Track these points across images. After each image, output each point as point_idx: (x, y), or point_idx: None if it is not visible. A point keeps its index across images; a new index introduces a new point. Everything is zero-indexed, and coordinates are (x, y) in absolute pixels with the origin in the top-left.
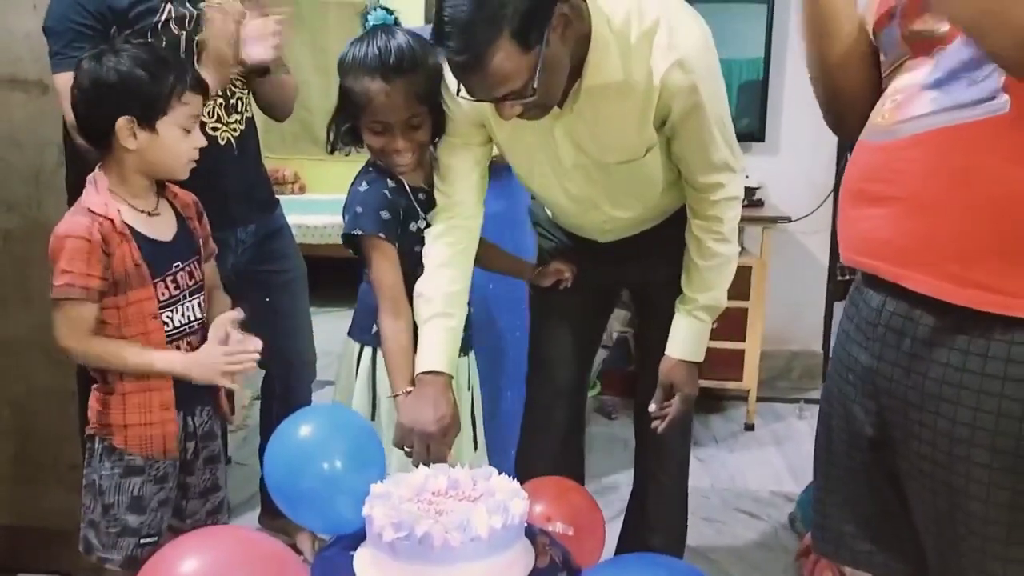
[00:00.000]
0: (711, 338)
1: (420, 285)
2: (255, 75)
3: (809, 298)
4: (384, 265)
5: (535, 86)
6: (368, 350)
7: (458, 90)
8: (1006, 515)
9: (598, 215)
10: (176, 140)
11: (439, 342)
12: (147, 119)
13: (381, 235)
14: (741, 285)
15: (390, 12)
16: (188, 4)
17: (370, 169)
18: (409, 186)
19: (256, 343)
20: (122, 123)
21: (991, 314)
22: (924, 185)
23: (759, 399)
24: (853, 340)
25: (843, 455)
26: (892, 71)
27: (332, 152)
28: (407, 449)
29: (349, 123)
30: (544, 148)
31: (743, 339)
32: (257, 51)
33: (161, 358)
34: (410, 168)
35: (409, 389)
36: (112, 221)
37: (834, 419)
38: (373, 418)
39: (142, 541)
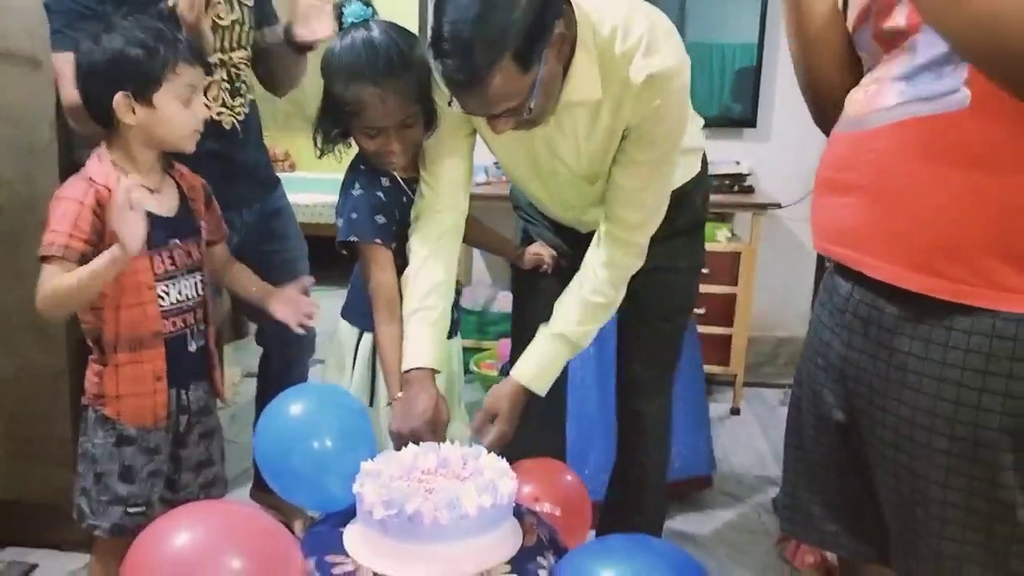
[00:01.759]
0: (699, 323)
1: (405, 276)
2: (303, 51)
3: (797, 285)
4: (380, 271)
5: (532, 105)
6: (368, 336)
7: (450, 101)
8: (964, 500)
9: (575, 212)
10: (174, 112)
11: (420, 337)
12: (143, 94)
13: (377, 241)
14: (730, 271)
15: (367, 4)
16: None
17: (361, 167)
18: (403, 180)
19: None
20: (119, 99)
21: (951, 303)
22: (887, 175)
23: (745, 384)
24: (825, 326)
25: (812, 438)
26: (869, 69)
27: (321, 156)
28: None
29: (339, 128)
30: (524, 149)
31: (731, 324)
32: (316, 29)
33: (98, 259)
34: (401, 167)
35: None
36: (110, 190)
37: (804, 402)
38: (371, 403)
39: (129, 510)
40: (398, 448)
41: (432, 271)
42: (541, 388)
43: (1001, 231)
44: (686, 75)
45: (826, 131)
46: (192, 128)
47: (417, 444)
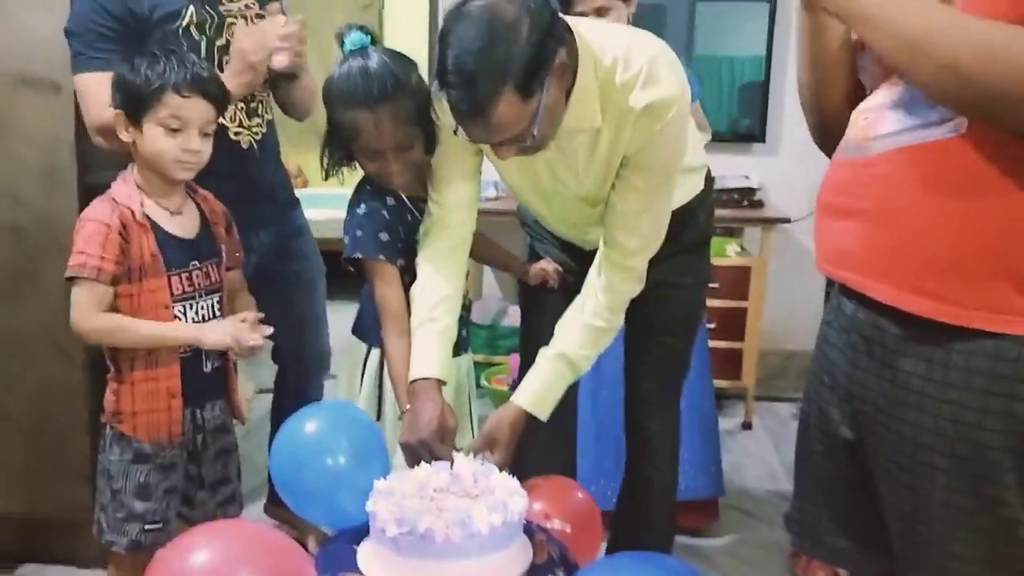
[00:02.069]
0: (710, 337)
1: (412, 291)
2: (284, 81)
3: (807, 298)
4: (386, 286)
5: (535, 133)
6: (375, 352)
7: (455, 130)
8: (966, 518)
9: (578, 231)
10: (155, 138)
11: (426, 348)
12: (133, 115)
13: (381, 257)
14: (740, 285)
15: (366, 32)
16: (209, 8)
17: (367, 187)
18: (408, 199)
19: (266, 329)
20: (115, 116)
21: (951, 325)
22: (886, 201)
23: (756, 398)
24: (831, 345)
25: (820, 455)
26: (870, 92)
27: (327, 178)
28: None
29: (341, 151)
30: (526, 171)
31: (741, 339)
32: (279, 59)
33: (172, 327)
34: (404, 185)
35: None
36: (133, 211)
37: (812, 419)
38: (378, 418)
39: (146, 527)
40: (409, 460)
41: (439, 285)
42: (543, 412)
43: (998, 254)
44: (685, 105)
45: (825, 151)
46: (173, 157)
47: (427, 455)
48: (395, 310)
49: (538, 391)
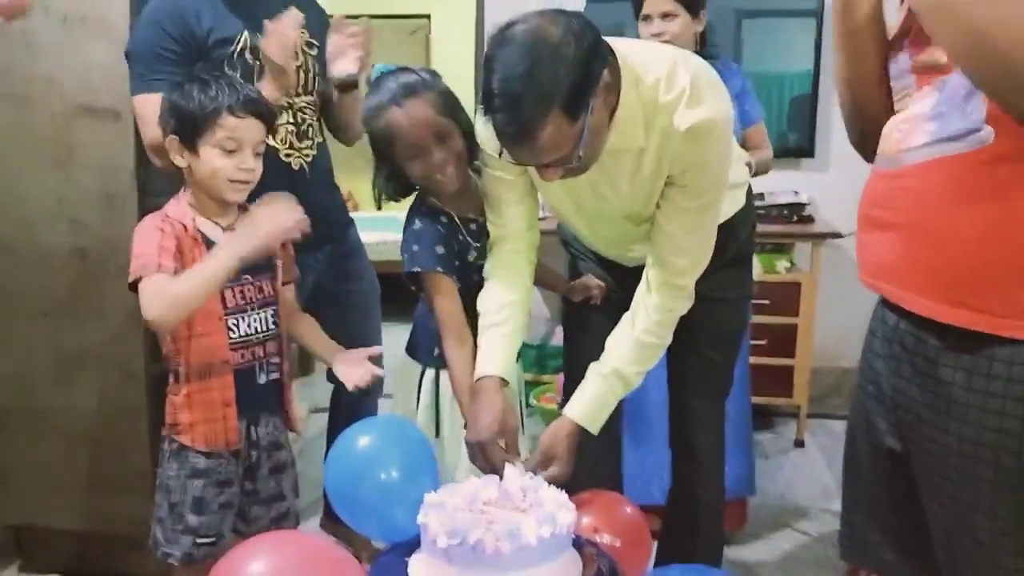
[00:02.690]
0: (760, 353)
1: (479, 301)
2: (342, 91)
3: (859, 314)
4: (445, 299)
5: (580, 155)
6: (431, 371)
7: (500, 153)
8: (1012, 528)
9: (619, 249)
10: (211, 159)
11: (492, 349)
12: (188, 140)
13: (439, 269)
14: (790, 301)
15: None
16: (262, 35)
17: (421, 207)
18: (459, 218)
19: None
20: (169, 142)
21: (989, 334)
22: (919, 213)
23: (809, 415)
24: (876, 355)
25: (867, 466)
26: (901, 99)
27: (380, 208)
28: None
29: (388, 167)
30: (569, 191)
31: (792, 355)
32: (342, 65)
33: (215, 253)
34: (456, 185)
35: None
36: (185, 226)
37: (858, 431)
38: (437, 435)
39: (198, 540)
40: (472, 458)
41: (504, 292)
42: (595, 427)
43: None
44: (729, 125)
45: (865, 155)
46: (228, 178)
47: (483, 458)
48: (455, 322)
49: (591, 405)
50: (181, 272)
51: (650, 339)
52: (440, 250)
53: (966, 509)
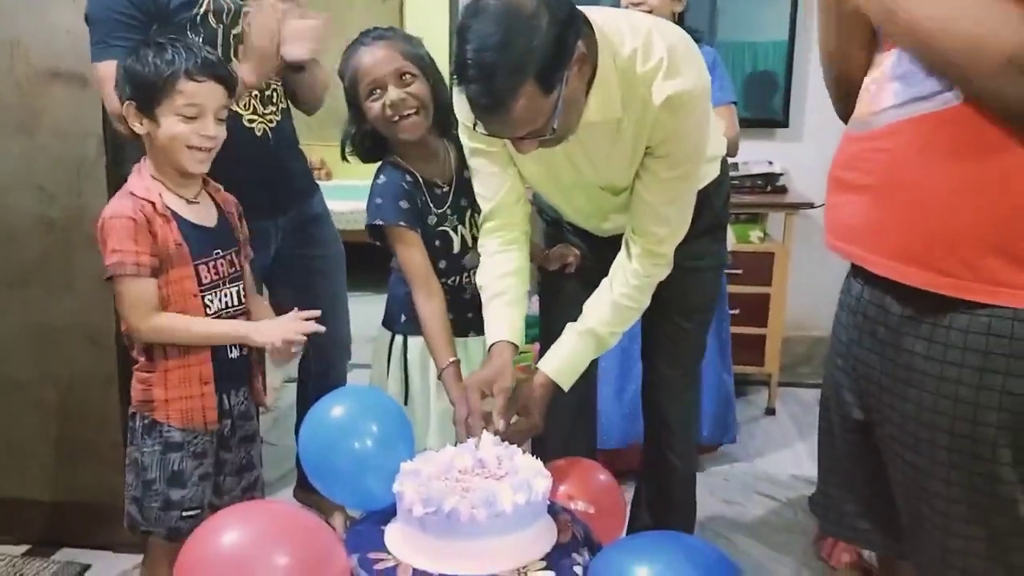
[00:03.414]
0: (733, 323)
1: (477, 276)
2: (291, 71)
3: (831, 284)
4: (410, 251)
5: (555, 126)
6: (399, 338)
7: (475, 124)
8: (965, 495)
9: (597, 220)
10: (172, 126)
11: (497, 318)
12: (145, 106)
13: (402, 223)
14: (763, 271)
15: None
16: None
17: (388, 163)
18: (424, 179)
19: (311, 325)
20: (126, 108)
21: (950, 301)
22: (888, 174)
23: (781, 384)
24: (842, 326)
25: (839, 437)
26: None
27: (344, 158)
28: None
29: (359, 121)
30: (546, 163)
31: (765, 325)
32: (295, 50)
33: (227, 325)
34: (415, 134)
35: (452, 359)
36: (154, 204)
37: (830, 402)
38: (406, 403)
39: (184, 514)
40: (461, 416)
41: (501, 263)
42: (567, 382)
43: (994, 225)
44: (706, 95)
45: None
46: (187, 144)
47: (463, 405)
48: (421, 272)
49: (565, 361)
50: (157, 267)
51: (627, 303)
52: (404, 204)
53: (923, 476)
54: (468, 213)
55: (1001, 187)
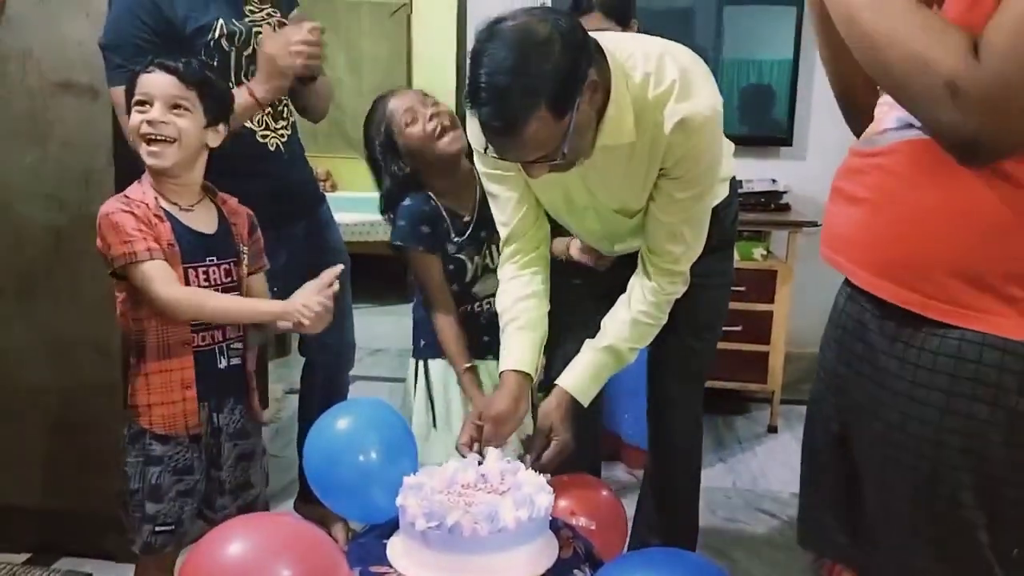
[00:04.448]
0: (735, 340)
1: (496, 301)
2: (301, 83)
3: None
4: (427, 273)
5: (565, 151)
6: (421, 363)
7: (486, 148)
8: (929, 518)
9: (608, 244)
10: (129, 121)
11: (508, 345)
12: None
13: (420, 248)
14: (766, 288)
15: None
16: (236, 21)
17: (415, 186)
18: (446, 208)
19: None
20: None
21: (923, 321)
22: (882, 189)
23: (783, 401)
24: (828, 338)
25: (821, 452)
26: None
27: (383, 213)
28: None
29: (393, 161)
30: (560, 188)
31: (767, 342)
32: (296, 63)
33: (259, 301)
34: (456, 145)
35: (467, 365)
36: (147, 204)
37: (815, 416)
38: (435, 426)
39: (157, 528)
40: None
41: (518, 288)
42: (586, 398)
43: (964, 250)
44: (718, 116)
45: (858, 136)
46: (138, 133)
47: (468, 432)
48: (439, 292)
49: (583, 377)
50: (159, 255)
51: (646, 320)
52: (425, 229)
53: (890, 495)
54: (485, 245)
55: (970, 212)
